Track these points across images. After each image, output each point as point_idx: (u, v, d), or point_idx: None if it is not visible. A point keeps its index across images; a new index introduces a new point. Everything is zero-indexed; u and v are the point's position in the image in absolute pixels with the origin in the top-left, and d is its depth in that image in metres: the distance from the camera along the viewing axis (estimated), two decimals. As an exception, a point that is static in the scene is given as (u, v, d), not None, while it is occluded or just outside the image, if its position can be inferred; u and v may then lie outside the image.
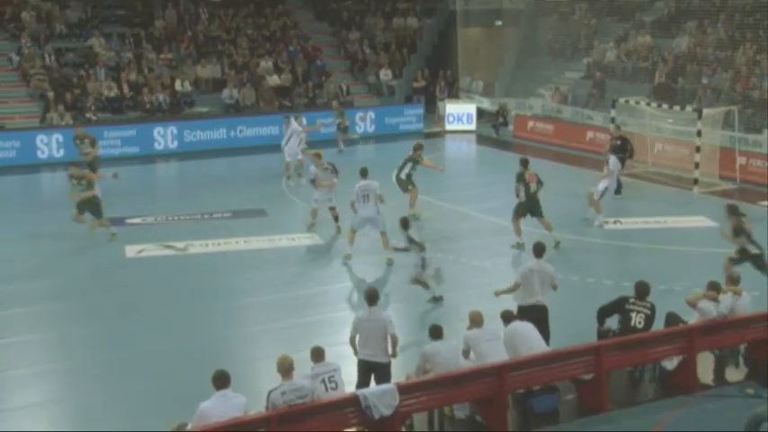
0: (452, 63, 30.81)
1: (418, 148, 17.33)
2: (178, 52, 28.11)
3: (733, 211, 12.69)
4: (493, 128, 27.53)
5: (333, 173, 15.92)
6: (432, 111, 29.38)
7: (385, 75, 29.85)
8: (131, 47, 27.59)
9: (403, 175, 16.95)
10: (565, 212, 18.03)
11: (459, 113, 28.22)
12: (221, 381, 7.95)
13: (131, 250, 15.25)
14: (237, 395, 8.02)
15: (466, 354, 9.41)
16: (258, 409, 8.31)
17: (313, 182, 15.99)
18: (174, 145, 24.45)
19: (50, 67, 25.75)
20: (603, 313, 10.38)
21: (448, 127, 28.06)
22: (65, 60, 26.36)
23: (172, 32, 28.72)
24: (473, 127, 27.98)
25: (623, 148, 19.13)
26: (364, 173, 14.79)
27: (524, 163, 15.61)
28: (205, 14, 29.80)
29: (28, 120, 24.43)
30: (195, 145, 24.52)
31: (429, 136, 27.66)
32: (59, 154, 23.01)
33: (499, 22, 32.17)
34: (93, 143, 19.17)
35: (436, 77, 30.36)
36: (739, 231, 12.43)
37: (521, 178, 15.36)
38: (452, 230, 16.54)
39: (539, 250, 10.84)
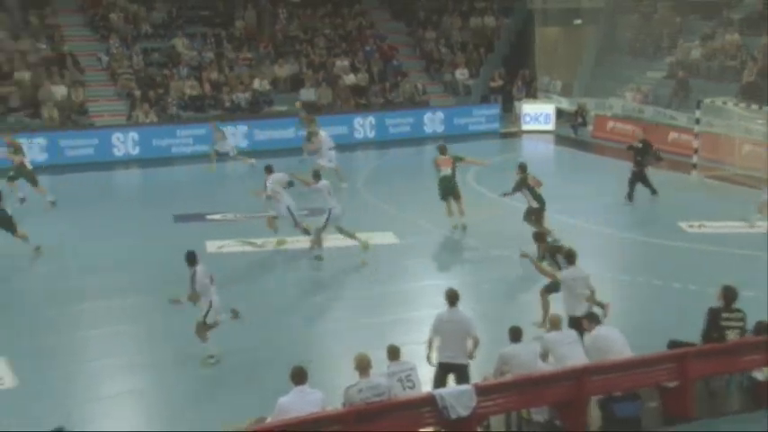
0: (530, 62, 30.38)
1: (444, 150, 16.54)
2: (257, 52, 28.58)
3: (538, 239, 12.29)
4: (571, 128, 27.06)
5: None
6: (509, 110, 29.07)
7: (461, 74, 29.66)
8: (212, 47, 28.17)
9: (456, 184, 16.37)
10: (648, 216, 17.59)
11: (537, 113, 27.81)
12: (299, 377, 8.05)
13: (212, 246, 15.54)
14: (315, 391, 8.10)
15: (544, 357, 9.26)
16: (335, 405, 8.36)
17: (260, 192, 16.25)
18: (244, 143, 24.78)
19: (137, 68, 26.55)
20: (707, 337, 9.83)
21: (524, 127, 27.70)
22: (150, 60, 27.14)
23: (251, 32, 29.23)
24: (551, 127, 27.55)
25: (644, 152, 18.56)
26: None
27: (523, 168, 15.42)
28: (284, 14, 30.21)
29: (115, 118, 25.23)
30: (265, 144, 24.81)
31: (505, 136, 27.42)
32: (135, 152, 23.84)
33: (578, 21, 31.58)
34: (16, 151, 18.65)
35: (514, 77, 29.99)
36: (546, 257, 11.89)
37: (524, 184, 15.15)
38: (524, 231, 16.24)
39: (571, 257, 10.72)
